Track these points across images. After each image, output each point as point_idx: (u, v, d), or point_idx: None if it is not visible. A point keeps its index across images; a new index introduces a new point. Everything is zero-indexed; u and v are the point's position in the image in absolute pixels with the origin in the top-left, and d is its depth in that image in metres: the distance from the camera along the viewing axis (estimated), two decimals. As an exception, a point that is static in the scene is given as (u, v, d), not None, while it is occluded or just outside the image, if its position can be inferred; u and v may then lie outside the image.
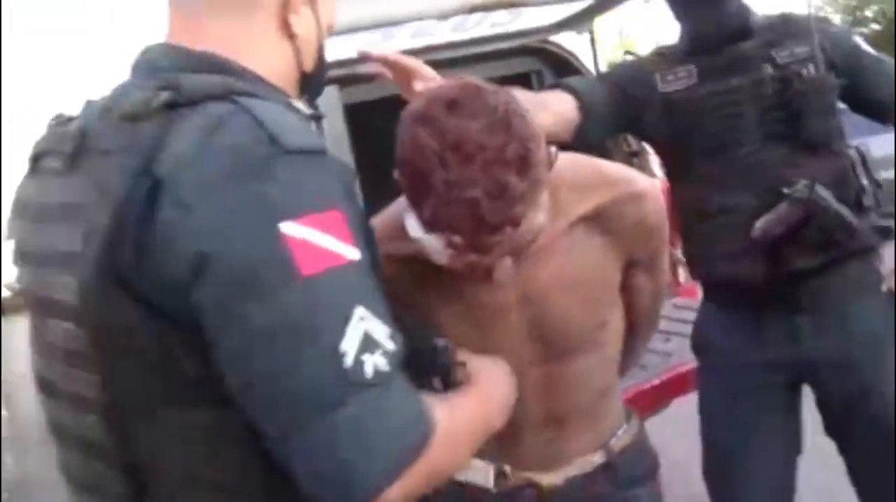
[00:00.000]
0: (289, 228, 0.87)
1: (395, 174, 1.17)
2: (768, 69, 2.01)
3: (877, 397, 1.99)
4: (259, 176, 0.88)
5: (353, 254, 0.92)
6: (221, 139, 0.90)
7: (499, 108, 1.12)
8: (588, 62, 3.44)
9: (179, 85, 0.95)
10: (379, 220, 1.37)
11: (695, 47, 2.07)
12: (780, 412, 2.13)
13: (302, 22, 1.09)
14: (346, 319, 0.89)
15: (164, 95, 0.93)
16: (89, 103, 1.07)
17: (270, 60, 1.08)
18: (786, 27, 2.06)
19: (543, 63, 3.46)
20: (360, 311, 0.90)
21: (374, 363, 0.90)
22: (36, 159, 1.11)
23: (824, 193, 1.93)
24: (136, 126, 0.94)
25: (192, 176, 0.89)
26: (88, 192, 0.95)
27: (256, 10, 1.06)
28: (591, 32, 3.41)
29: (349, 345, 0.88)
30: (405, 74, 1.44)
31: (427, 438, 0.93)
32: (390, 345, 0.92)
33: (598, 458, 1.55)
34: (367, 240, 0.97)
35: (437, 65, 1.51)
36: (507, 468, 1.52)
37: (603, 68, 3.36)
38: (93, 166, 0.97)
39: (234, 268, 0.87)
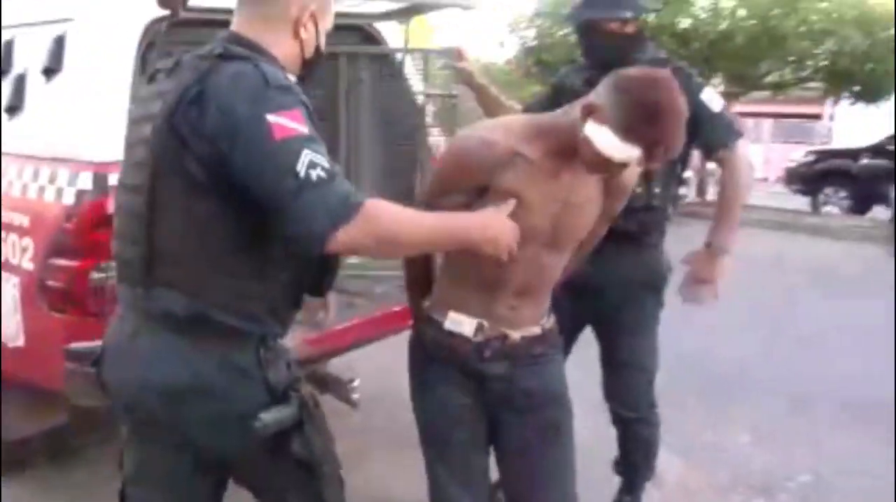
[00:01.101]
0: (270, 117, 1.70)
1: (609, 106, 1.97)
2: None
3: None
4: (256, 97, 1.72)
5: (304, 130, 1.73)
6: (241, 79, 1.75)
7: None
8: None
9: (229, 49, 1.82)
10: (520, 129, 2.18)
11: (592, 65, 3.10)
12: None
13: (306, 31, 1.96)
14: (298, 155, 1.69)
15: (218, 51, 1.81)
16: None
17: (284, 50, 1.93)
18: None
19: (362, 41, 4.18)
20: (306, 151, 1.70)
21: (317, 174, 1.70)
22: (152, 76, 1.98)
23: None
24: (201, 61, 1.81)
25: (222, 93, 1.73)
26: (171, 88, 1.80)
27: (282, 25, 1.93)
28: (407, 28, 4.20)
29: (301, 166, 1.69)
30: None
31: (355, 208, 1.72)
32: (328, 166, 1.72)
33: (537, 330, 2.34)
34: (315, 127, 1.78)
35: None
36: (486, 323, 2.26)
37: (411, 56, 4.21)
38: (177, 78, 1.83)
39: (242, 135, 1.70)
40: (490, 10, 17.94)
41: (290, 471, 1.99)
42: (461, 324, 2.27)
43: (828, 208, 15.64)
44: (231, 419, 1.87)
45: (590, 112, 2.00)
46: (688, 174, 13.26)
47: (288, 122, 1.72)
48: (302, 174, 1.69)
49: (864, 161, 15.15)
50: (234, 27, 1.94)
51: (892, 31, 13.25)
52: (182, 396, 1.87)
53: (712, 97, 3.00)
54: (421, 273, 2.43)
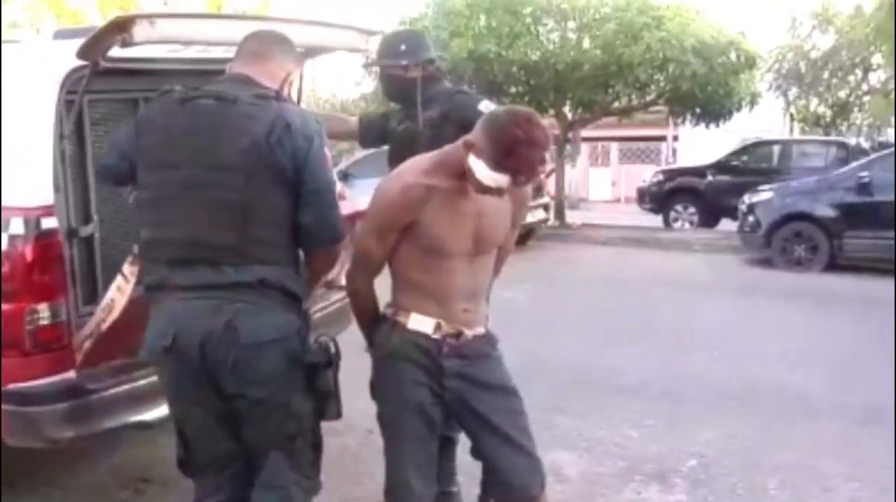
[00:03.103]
0: (326, 149, 2.57)
1: (479, 142, 2.41)
2: (409, 124, 3.61)
3: None
4: (318, 133, 2.57)
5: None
6: (307, 118, 2.60)
7: (542, 123, 2.43)
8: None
9: (279, 93, 2.60)
10: (425, 166, 2.61)
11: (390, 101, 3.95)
12: None
13: (287, 86, 2.72)
14: (333, 177, 2.64)
15: (273, 94, 2.58)
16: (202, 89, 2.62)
17: None
18: (445, 99, 3.62)
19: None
20: (334, 174, 2.67)
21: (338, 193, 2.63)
22: (186, 99, 2.58)
23: None
24: (266, 102, 2.55)
25: (300, 127, 2.52)
26: (250, 117, 2.50)
27: (276, 82, 2.67)
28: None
29: (337, 185, 2.67)
30: None
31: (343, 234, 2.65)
32: None
33: (482, 330, 2.74)
34: None
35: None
36: (442, 322, 2.64)
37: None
38: (246, 108, 2.52)
39: (311, 158, 2.52)
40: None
41: (303, 409, 2.63)
42: (423, 323, 2.64)
43: (678, 224, 16.60)
44: (284, 362, 2.55)
45: (469, 147, 2.44)
46: (546, 199, 13.88)
47: (328, 153, 2.59)
48: (337, 191, 2.61)
49: (710, 178, 16.20)
50: (241, 71, 2.67)
51: (728, 57, 14.30)
52: (263, 347, 2.51)
53: (488, 106, 3.53)
54: (369, 305, 2.80)
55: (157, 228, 2.55)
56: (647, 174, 18.62)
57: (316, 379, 2.61)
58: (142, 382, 3.33)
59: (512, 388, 2.75)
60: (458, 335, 2.65)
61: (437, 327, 2.63)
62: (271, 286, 2.51)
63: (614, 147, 30.75)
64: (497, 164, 2.39)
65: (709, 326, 7.72)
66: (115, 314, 3.21)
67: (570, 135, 17.39)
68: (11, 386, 3.12)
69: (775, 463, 4.42)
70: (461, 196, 2.55)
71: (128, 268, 3.19)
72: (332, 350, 2.64)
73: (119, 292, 3.21)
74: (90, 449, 4.06)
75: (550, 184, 15.46)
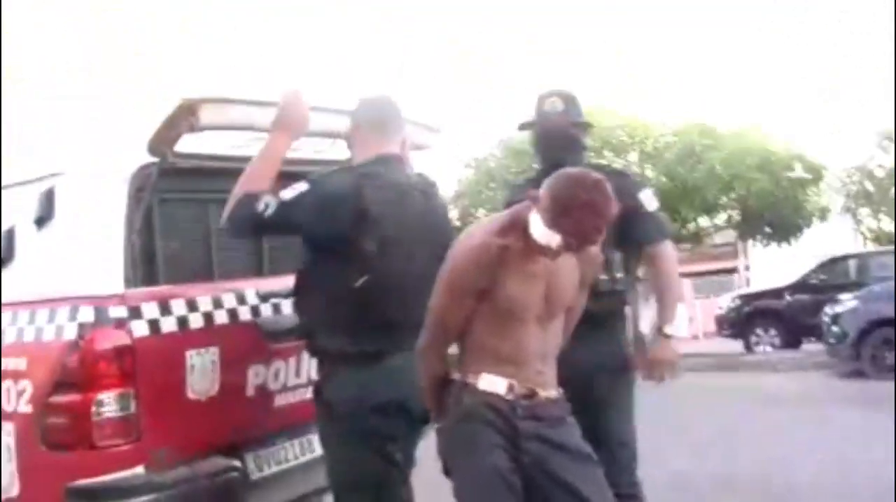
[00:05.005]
0: None
1: (540, 197, 2.34)
2: None
3: None
4: None
5: None
6: None
7: (611, 193, 2.31)
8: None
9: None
10: (498, 226, 2.51)
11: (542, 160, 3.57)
12: None
13: None
14: None
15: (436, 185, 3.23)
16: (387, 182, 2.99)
17: None
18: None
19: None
20: None
21: None
22: (404, 192, 2.99)
23: None
24: (437, 191, 3.23)
25: None
26: (442, 216, 3.26)
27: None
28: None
29: None
30: None
31: None
32: None
33: (556, 394, 2.60)
34: None
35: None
36: (515, 383, 2.51)
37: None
38: (436, 207, 3.21)
39: None
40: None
41: None
42: (495, 383, 2.52)
43: (760, 348, 16.06)
44: None
45: (534, 200, 2.34)
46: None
47: None
48: None
49: (789, 298, 15.77)
50: (393, 151, 3.08)
51: (793, 171, 14.17)
52: None
53: (650, 197, 3.38)
54: (441, 375, 2.66)
55: (383, 306, 2.90)
56: (722, 303, 18.21)
57: None
58: (216, 479, 3.22)
59: (592, 455, 2.58)
60: (532, 396, 2.52)
61: (510, 388, 2.51)
62: None
63: (687, 283, 30.34)
64: (552, 222, 2.30)
65: (809, 438, 7.30)
66: None
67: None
68: (78, 482, 3.00)
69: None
70: (532, 256, 2.43)
71: None
72: None
73: None
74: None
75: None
